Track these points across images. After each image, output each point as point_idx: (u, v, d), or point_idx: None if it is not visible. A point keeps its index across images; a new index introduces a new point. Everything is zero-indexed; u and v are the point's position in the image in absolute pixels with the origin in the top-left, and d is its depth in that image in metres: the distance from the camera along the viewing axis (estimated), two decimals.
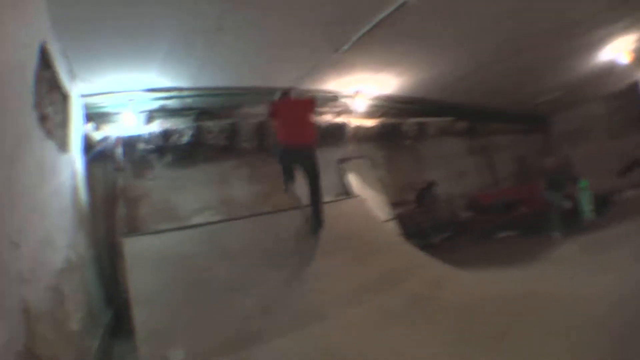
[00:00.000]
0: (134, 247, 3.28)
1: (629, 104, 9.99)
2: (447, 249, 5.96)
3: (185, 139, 4.63)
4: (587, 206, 5.46)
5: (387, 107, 6.59)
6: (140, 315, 2.72)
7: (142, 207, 4.52)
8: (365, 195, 5.82)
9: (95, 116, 4.15)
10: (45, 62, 2.41)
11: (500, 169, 9.26)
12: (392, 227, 5.83)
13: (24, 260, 1.82)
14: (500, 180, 9.08)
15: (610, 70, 7.59)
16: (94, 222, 3.92)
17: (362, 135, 6.60)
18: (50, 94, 2.59)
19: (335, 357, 2.49)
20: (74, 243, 2.94)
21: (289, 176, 4.04)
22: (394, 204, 6.50)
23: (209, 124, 4.82)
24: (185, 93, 4.48)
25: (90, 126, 4.01)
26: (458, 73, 5.87)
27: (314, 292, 3.28)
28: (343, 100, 5.86)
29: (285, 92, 4.26)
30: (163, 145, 4.56)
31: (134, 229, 4.20)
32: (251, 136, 5.21)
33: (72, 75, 3.38)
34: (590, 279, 3.23)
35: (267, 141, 5.20)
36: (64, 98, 3.02)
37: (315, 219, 3.97)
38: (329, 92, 5.57)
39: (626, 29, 5.74)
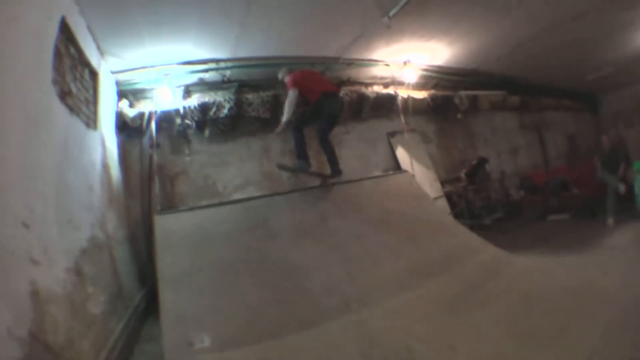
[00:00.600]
0: (165, 225, 3.12)
1: None
2: (498, 230, 5.65)
3: (224, 112, 4.50)
4: None
5: (438, 78, 6.34)
6: (167, 298, 2.59)
7: (180, 184, 4.48)
8: (414, 170, 5.63)
9: (129, 93, 4.11)
10: (67, 37, 2.32)
11: (551, 147, 8.92)
12: (442, 205, 5.66)
13: (34, 240, 1.74)
14: (550, 158, 8.75)
15: None
16: (129, 201, 3.89)
17: (412, 107, 6.30)
18: (75, 69, 2.51)
19: (380, 347, 2.35)
20: (101, 222, 2.89)
21: (304, 154, 4.02)
22: (444, 181, 6.32)
23: (249, 96, 4.69)
24: (223, 65, 4.35)
25: (123, 103, 3.95)
26: (511, 42, 5.57)
27: (363, 274, 3.11)
28: (392, 70, 5.59)
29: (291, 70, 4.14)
30: (201, 119, 4.46)
31: (172, 207, 4.13)
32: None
33: (101, 52, 3.32)
34: None
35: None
36: (93, 75, 2.97)
37: (334, 167, 4.02)
38: (378, 61, 5.34)
39: None
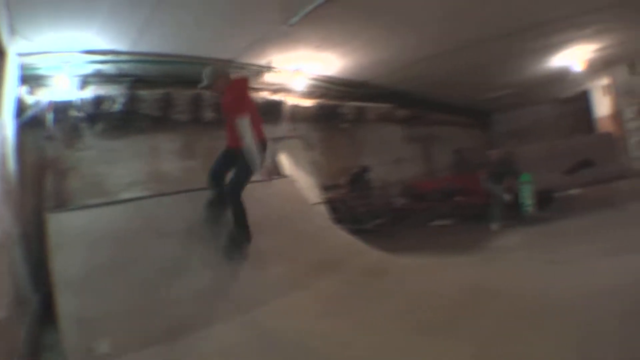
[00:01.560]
0: (58, 224, 3.14)
1: (578, 110, 11.32)
2: (380, 235, 6.24)
3: (117, 106, 4.52)
4: (527, 200, 5.85)
5: (327, 88, 6.78)
6: (64, 302, 2.63)
7: (71, 179, 4.40)
8: (296, 176, 5.95)
9: (29, 78, 3.95)
10: None
11: (438, 160, 9.99)
12: (323, 210, 6.03)
13: None
14: (435, 170, 9.77)
15: (563, 76, 8.66)
16: (23, 195, 3.62)
17: (298, 114, 6.78)
18: None
19: (274, 345, 2.56)
20: None
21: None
22: (327, 187, 6.80)
23: (143, 92, 4.74)
24: (122, 57, 4.33)
25: (24, 89, 3.66)
26: (404, 60, 6.15)
27: (251, 275, 3.37)
28: (283, 77, 5.92)
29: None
30: (95, 112, 4.43)
31: (63, 204, 4.09)
32: (186, 108, 5.16)
33: (12, 31, 3.07)
34: (531, 271, 3.61)
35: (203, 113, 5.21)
36: (0, 55, 2.75)
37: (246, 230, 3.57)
38: (270, 67, 5.57)
39: (586, 38, 6.43)
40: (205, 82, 3.56)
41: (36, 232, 3.62)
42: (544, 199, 6.09)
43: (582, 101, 11.13)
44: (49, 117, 4.05)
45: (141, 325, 2.63)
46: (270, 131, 5.68)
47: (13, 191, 3.36)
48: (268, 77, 5.76)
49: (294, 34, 4.55)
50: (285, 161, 6.28)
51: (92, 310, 2.63)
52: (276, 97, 6.28)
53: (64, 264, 2.85)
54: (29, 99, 3.86)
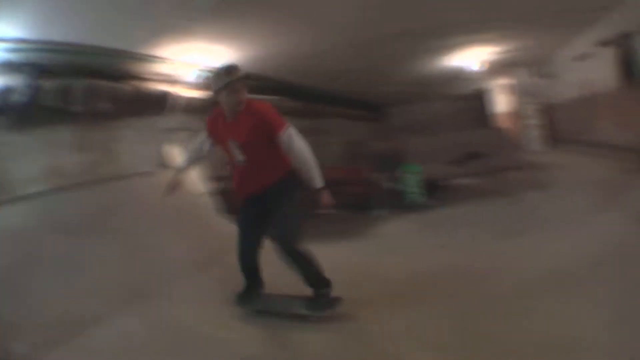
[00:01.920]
0: None
1: (474, 107, 12.43)
2: None
3: (21, 98, 4.19)
4: (412, 188, 6.33)
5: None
6: None
7: None
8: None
9: None
10: None
11: (330, 151, 9.73)
12: (209, 201, 6.16)
13: None
14: (325, 161, 9.98)
15: (459, 74, 9.51)
16: None
17: (189, 106, 6.61)
18: None
19: (176, 334, 2.81)
20: None
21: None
22: (218, 178, 6.72)
23: (47, 83, 4.46)
24: (29, 46, 4.09)
25: None
26: (297, 54, 6.28)
27: (145, 267, 3.58)
28: (175, 68, 5.84)
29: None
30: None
31: None
32: (84, 99, 4.89)
33: None
34: (411, 254, 4.08)
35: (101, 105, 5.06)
36: None
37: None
38: (164, 59, 5.49)
39: (487, 41, 7.01)
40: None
41: None
42: (430, 187, 6.50)
43: (478, 99, 12.56)
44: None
45: (53, 322, 2.67)
46: (162, 122, 6.01)
47: None
48: (159, 68, 5.63)
49: (193, 27, 4.52)
50: (173, 152, 6.15)
51: (6, 310, 2.61)
52: (166, 88, 6.09)
53: None
54: None
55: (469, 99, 11.61)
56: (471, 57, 8.17)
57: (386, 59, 7.40)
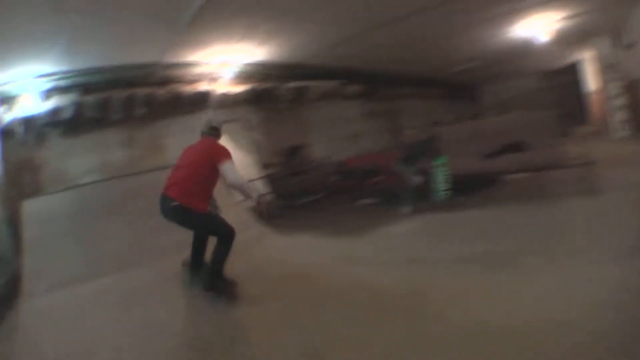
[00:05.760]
0: (30, 207, 5.14)
1: (567, 83, 10.91)
2: (308, 211, 7.24)
3: (70, 113, 6.24)
4: (441, 184, 5.92)
5: (258, 73, 7.96)
6: (25, 261, 4.53)
7: (43, 172, 6.20)
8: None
9: (6, 100, 5.83)
10: None
11: (404, 134, 10.07)
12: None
13: None
14: (398, 145, 9.56)
15: (535, 47, 8.96)
16: (8, 188, 5.61)
17: (233, 100, 8.04)
18: None
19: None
20: None
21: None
22: (267, 165, 8.01)
23: (89, 98, 6.37)
24: (68, 75, 6.03)
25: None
26: (337, 37, 6.77)
27: (149, 243, 4.91)
28: (210, 68, 7.21)
29: (213, 129, 4.07)
30: (55, 119, 6.17)
31: (37, 191, 5.90)
32: (122, 108, 6.73)
33: None
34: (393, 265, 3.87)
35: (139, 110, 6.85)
36: None
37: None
38: (194, 63, 6.89)
39: (547, 6, 6.66)
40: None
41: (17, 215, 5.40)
42: (459, 184, 6.04)
43: (571, 74, 10.76)
44: (21, 127, 5.87)
45: (69, 273, 4.39)
46: (202, 118, 7.12)
47: None
48: (197, 70, 7.17)
49: (200, 34, 5.60)
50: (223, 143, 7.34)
51: (40, 264, 4.46)
52: (203, 87, 7.66)
53: (30, 235, 4.76)
54: (5, 116, 5.76)
55: (560, 74, 9.89)
56: (539, 26, 7.67)
57: (448, 31, 7.36)
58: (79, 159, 6.41)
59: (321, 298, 3.31)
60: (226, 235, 3.45)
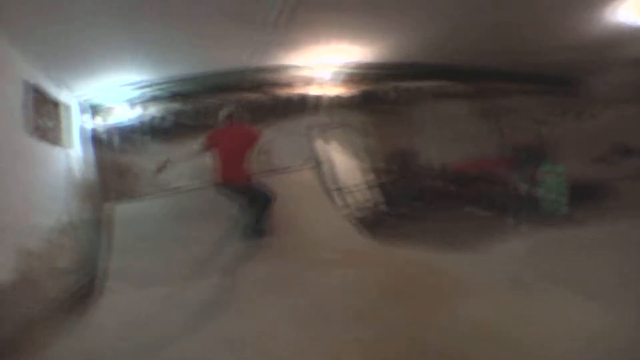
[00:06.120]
0: (116, 211, 5.49)
1: None
2: (415, 218, 6.70)
3: (163, 120, 6.58)
4: (553, 194, 5.35)
5: (364, 74, 7.55)
6: (114, 260, 4.78)
7: (134, 177, 6.51)
8: (336, 161, 7.11)
9: (93, 109, 6.29)
10: (31, 91, 4.31)
11: (512, 135, 8.95)
12: (336, 201, 6.58)
13: (18, 221, 3.72)
14: (507, 148, 8.81)
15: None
16: (96, 192, 5.99)
17: (337, 103, 7.74)
18: (41, 109, 4.48)
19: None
20: (72, 209, 5.09)
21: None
22: (373, 170, 7.60)
23: (184, 106, 6.66)
24: (160, 85, 6.32)
25: (88, 118, 6.05)
26: (439, 33, 6.26)
27: (227, 251, 4.85)
28: (310, 71, 7.03)
29: (230, 115, 5.03)
30: (148, 126, 6.51)
31: (127, 196, 6.19)
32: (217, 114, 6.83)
33: (61, 88, 5.38)
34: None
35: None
36: (56, 106, 5.01)
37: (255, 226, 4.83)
38: (292, 65, 6.74)
39: None
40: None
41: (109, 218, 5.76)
42: (577, 193, 5.42)
43: None
44: (112, 134, 6.28)
45: (152, 276, 4.44)
46: (307, 121, 7.40)
47: (82, 190, 5.61)
48: (296, 72, 7.00)
49: (294, 35, 5.42)
50: (323, 148, 7.31)
51: (127, 264, 4.65)
52: (307, 90, 7.50)
53: (120, 237, 5.05)
54: (94, 124, 6.20)
55: None
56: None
57: (544, 16, 6.40)
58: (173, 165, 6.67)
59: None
60: None
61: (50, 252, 4.26)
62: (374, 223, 6.11)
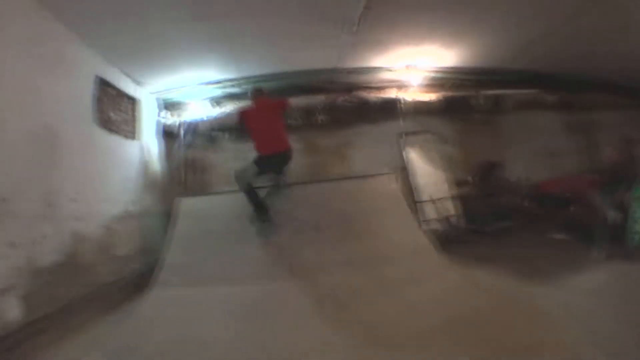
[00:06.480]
0: (183, 205, 5.35)
1: None
2: (497, 238, 6.20)
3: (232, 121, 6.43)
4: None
5: (451, 79, 7.23)
6: (168, 252, 4.73)
7: (209, 173, 6.66)
8: (421, 170, 6.95)
9: (169, 105, 6.50)
10: (103, 85, 4.40)
11: (602, 153, 7.93)
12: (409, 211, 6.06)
13: (79, 208, 3.91)
14: (597, 167, 7.91)
15: None
16: (170, 186, 6.21)
17: (421, 109, 7.48)
18: (114, 103, 4.61)
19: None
20: (137, 200, 5.28)
21: (259, 205, 4.83)
22: (458, 182, 7.22)
23: None
24: (237, 82, 6.30)
25: (164, 114, 6.27)
26: (527, 35, 5.82)
27: (301, 254, 4.59)
28: (397, 74, 6.75)
29: (258, 91, 5.18)
30: (222, 123, 6.57)
31: (200, 191, 6.33)
32: (299, 114, 6.95)
33: (137, 84, 5.78)
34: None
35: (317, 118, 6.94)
36: (131, 101, 5.18)
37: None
38: (376, 68, 6.50)
39: None
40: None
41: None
42: None
43: None
44: (188, 130, 6.44)
45: (202, 273, 4.36)
46: (395, 127, 7.26)
47: (155, 184, 5.77)
48: (383, 76, 6.78)
49: (369, 36, 5.24)
50: (411, 155, 7.13)
51: (180, 258, 4.59)
52: (393, 94, 7.31)
53: (178, 230, 5.00)
54: (170, 120, 6.39)
55: None
56: None
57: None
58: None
59: None
60: None
61: (109, 240, 4.45)
62: (451, 239, 5.91)
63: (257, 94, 5.14)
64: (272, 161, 4.82)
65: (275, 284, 4.15)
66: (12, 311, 2.96)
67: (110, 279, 4.34)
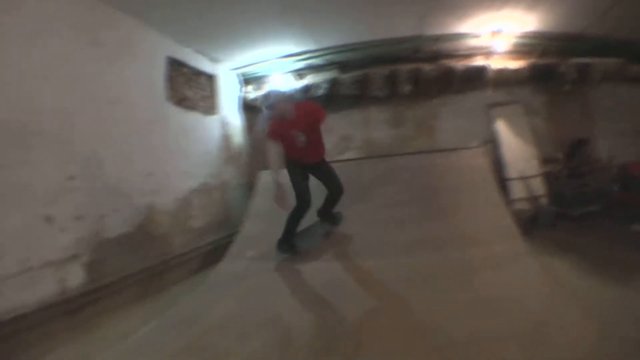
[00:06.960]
0: (264, 178, 5.41)
1: None
2: (584, 225, 5.56)
3: (321, 91, 6.51)
4: None
5: (537, 45, 6.61)
6: (245, 225, 4.89)
7: None
8: (511, 145, 6.48)
9: (252, 80, 6.65)
10: (176, 65, 4.69)
11: None
12: (504, 187, 5.97)
13: (156, 182, 4.24)
14: None
15: None
16: (253, 159, 6.43)
17: (508, 78, 6.87)
18: (189, 81, 4.84)
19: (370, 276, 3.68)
20: (216, 173, 5.52)
21: (291, 234, 4.27)
22: (546, 159, 6.60)
23: (343, 76, 6.53)
24: (317, 53, 6.23)
25: (247, 89, 6.49)
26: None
27: (387, 234, 4.36)
28: (482, 40, 6.27)
29: (275, 104, 4.03)
30: (304, 95, 6.51)
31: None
32: (383, 85, 6.61)
33: (214, 61, 5.96)
34: None
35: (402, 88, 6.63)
36: (209, 78, 5.40)
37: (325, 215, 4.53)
38: (462, 34, 6.10)
39: None
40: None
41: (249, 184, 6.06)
42: None
43: None
44: (270, 104, 6.51)
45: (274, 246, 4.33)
46: (483, 97, 6.88)
47: (237, 157, 6.03)
48: (468, 43, 6.37)
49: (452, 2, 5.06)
50: (501, 128, 6.68)
51: (256, 232, 4.69)
52: (479, 62, 6.75)
53: (256, 203, 5.14)
54: (252, 95, 6.55)
55: None
56: None
57: None
58: (334, 137, 6.60)
59: None
60: None
61: (185, 212, 4.73)
62: (536, 221, 5.65)
63: (275, 108, 4.00)
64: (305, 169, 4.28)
65: (346, 263, 3.97)
66: (76, 278, 3.23)
67: (185, 249, 4.59)
